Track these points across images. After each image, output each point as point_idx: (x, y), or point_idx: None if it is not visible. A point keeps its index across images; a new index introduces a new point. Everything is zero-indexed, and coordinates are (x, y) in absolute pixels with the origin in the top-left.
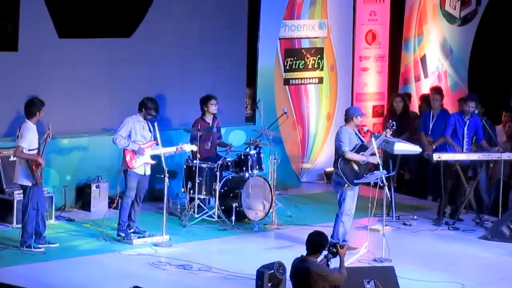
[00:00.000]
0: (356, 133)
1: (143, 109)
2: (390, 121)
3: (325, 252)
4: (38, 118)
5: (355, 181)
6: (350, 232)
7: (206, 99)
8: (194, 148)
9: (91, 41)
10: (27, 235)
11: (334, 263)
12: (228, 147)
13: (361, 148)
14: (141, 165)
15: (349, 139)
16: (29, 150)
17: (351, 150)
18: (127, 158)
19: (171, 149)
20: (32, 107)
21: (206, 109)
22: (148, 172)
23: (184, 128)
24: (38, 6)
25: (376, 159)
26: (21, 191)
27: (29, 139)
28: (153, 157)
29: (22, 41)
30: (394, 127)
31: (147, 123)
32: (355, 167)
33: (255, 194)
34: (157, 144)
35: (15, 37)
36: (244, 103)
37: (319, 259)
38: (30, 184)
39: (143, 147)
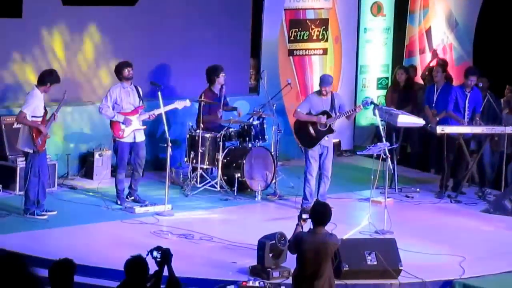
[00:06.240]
0: (333, 99)
1: (118, 75)
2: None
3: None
4: (46, 89)
5: (310, 145)
6: (352, 204)
7: (216, 70)
8: (188, 103)
9: (95, 9)
10: (29, 202)
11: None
12: (237, 112)
13: (324, 114)
14: (130, 133)
15: (310, 103)
16: (32, 117)
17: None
18: (115, 129)
19: (166, 108)
20: (48, 77)
21: (216, 79)
22: (141, 139)
23: (189, 99)
24: None
25: (326, 120)
26: (24, 158)
27: (33, 106)
28: (145, 122)
29: (26, 8)
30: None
31: (135, 88)
32: (311, 130)
33: (258, 165)
34: (145, 109)
35: (19, 4)
36: (248, 74)
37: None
38: (31, 151)
39: (129, 117)
